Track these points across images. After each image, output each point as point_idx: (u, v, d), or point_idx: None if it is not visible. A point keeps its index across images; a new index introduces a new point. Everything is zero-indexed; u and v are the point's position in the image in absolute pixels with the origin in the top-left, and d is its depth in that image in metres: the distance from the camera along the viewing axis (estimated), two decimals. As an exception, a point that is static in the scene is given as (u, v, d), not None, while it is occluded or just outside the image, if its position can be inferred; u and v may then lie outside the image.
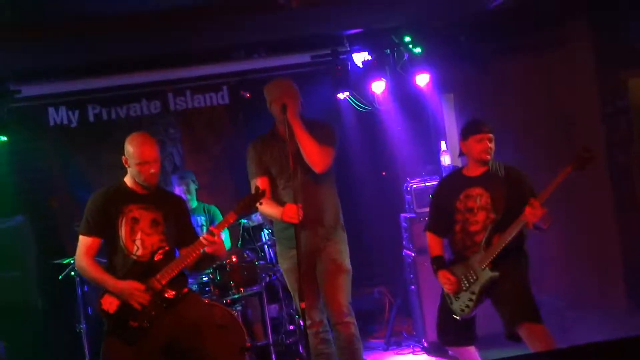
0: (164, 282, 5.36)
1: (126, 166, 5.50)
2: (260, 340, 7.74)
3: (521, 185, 5.86)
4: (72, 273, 7.46)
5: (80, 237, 5.49)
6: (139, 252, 5.41)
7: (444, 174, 7.71)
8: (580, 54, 8.57)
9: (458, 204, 5.98)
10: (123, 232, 5.42)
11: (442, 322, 6.12)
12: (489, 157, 5.92)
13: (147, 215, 5.48)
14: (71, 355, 7.79)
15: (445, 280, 5.95)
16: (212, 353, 5.44)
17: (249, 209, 5.59)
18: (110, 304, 5.34)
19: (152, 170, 5.43)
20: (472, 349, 6.12)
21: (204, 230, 7.58)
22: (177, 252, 5.63)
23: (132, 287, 5.31)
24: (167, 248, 5.49)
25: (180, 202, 5.84)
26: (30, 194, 8.76)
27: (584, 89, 8.56)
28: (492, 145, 5.92)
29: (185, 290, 5.57)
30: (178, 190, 8.04)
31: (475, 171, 5.99)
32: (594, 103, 8.52)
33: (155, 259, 5.41)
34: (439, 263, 6.08)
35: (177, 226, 5.62)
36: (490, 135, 5.92)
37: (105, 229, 5.46)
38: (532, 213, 5.56)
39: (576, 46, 8.59)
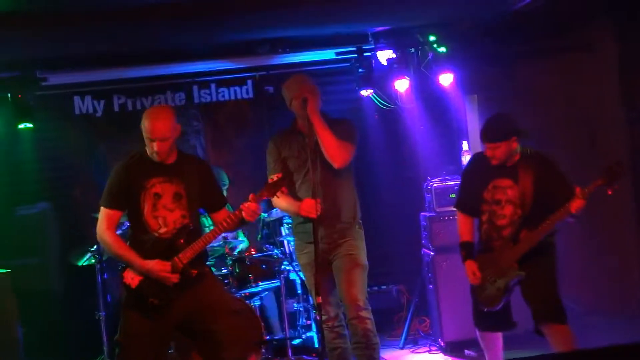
0: (185, 261, 5.36)
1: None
2: (276, 334, 7.79)
3: (552, 176, 5.82)
4: (92, 261, 7.52)
5: (102, 209, 5.48)
6: (161, 230, 5.42)
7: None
8: (606, 57, 8.54)
9: (486, 194, 5.97)
10: (145, 208, 5.41)
11: (475, 308, 6.13)
12: (495, 163, 5.89)
13: (169, 189, 5.45)
14: (89, 343, 7.82)
15: (470, 272, 5.97)
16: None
17: (272, 194, 5.58)
18: (132, 279, 5.38)
19: (156, 149, 5.35)
20: (499, 340, 6.14)
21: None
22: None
23: (159, 268, 5.32)
24: (189, 225, 5.48)
25: (203, 166, 5.74)
26: (54, 181, 8.86)
27: (609, 94, 8.53)
28: (496, 152, 5.85)
29: (206, 269, 5.61)
30: None
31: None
32: (618, 108, 8.49)
33: (177, 237, 5.41)
34: (467, 250, 6.08)
35: (203, 192, 5.58)
36: (494, 144, 5.84)
37: (126, 203, 5.47)
38: (576, 205, 5.53)
39: (601, 50, 8.56)
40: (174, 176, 5.48)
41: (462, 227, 6.18)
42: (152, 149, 5.39)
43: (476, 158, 6.40)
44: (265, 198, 5.57)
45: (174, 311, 5.40)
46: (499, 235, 5.90)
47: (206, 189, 5.64)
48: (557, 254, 5.93)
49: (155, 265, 5.33)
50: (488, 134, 5.90)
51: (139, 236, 5.48)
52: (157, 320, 5.37)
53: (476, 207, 6.04)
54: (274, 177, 5.91)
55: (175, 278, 5.35)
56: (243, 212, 5.42)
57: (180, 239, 5.42)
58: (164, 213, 5.44)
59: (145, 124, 5.41)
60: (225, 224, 5.48)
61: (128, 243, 5.52)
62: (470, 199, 6.12)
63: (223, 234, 7.78)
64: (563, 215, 5.60)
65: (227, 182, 8.16)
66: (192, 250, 5.40)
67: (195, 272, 5.43)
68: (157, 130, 5.37)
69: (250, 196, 5.46)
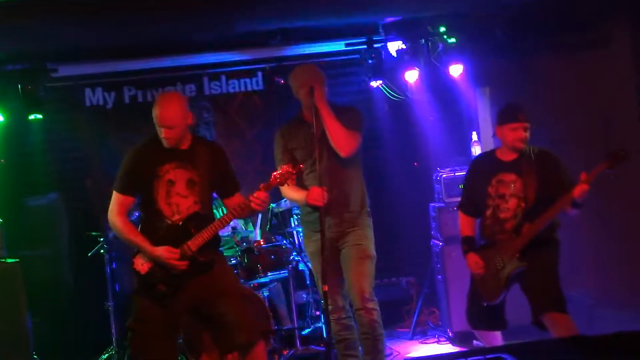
0: (194, 248, 5.38)
1: None
2: (285, 325, 7.79)
3: (556, 172, 5.83)
4: (102, 251, 7.54)
5: (114, 194, 5.50)
6: (175, 217, 5.43)
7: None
8: (620, 53, 8.49)
9: (490, 189, 5.97)
10: (159, 195, 5.43)
11: (471, 306, 6.14)
12: (523, 145, 5.89)
13: (183, 176, 5.46)
14: (99, 333, 7.85)
15: (472, 263, 5.98)
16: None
17: (281, 183, 5.53)
18: (142, 265, 5.41)
19: (167, 136, 5.38)
20: (498, 336, 6.13)
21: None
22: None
23: (167, 255, 5.33)
24: (201, 211, 5.49)
25: (217, 152, 5.72)
26: (64, 172, 8.85)
27: (623, 89, 8.48)
28: (527, 134, 5.87)
29: (216, 256, 5.60)
30: None
31: (509, 155, 5.96)
32: (632, 104, 8.43)
33: (188, 224, 5.42)
34: (469, 244, 6.10)
35: (215, 177, 5.58)
36: (526, 124, 5.86)
37: (139, 189, 5.50)
38: (580, 189, 5.52)
39: (616, 46, 8.51)
40: (188, 162, 5.49)
41: (463, 223, 6.22)
42: (163, 135, 5.42)
43: (479, 157, 6.53)
44: (274, 185, 5.54)
45: (184, 297, 5.43)
46: (502, 229, 5.91)
47: (219, 174, 5.64)
48: (560, 250, 5.95)
49: (164, 252, 5.35)
50: (523, 113, 5.90)
51: (151, 222, 5.51)
52: (167, 307, 5.39)
53: (480, 205, 6.06)
54: (283, 167, 5.93)
55: (183, 265, 5.37)
56: (252, 203, 5.43)
57: (191, 226, 5.44)
58: (178, 200, 5.46)
59: (155, 111, 5.44)
60: (235, 212, 5.49)
61: (139, 228, 5.54)
62: (474, 199, 6.14)
63: (232, 225, 7.84)
64: (566, 202, 5.61)
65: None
66: (201, 237, 5.41)
67: (204, 259, 5.44)
68: (165, 118, 5.39)
69: (260, 185, 5.47)
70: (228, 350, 5.79)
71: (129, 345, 5.56)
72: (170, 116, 5.39)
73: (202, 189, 5.51)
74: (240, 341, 5.50)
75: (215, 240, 5.62)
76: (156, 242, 5.38)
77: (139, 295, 5.47)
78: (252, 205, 5.42)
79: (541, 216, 5.71)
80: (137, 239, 5.43)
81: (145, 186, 5.46)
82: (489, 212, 6.00)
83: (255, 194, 5.42)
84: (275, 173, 5.52)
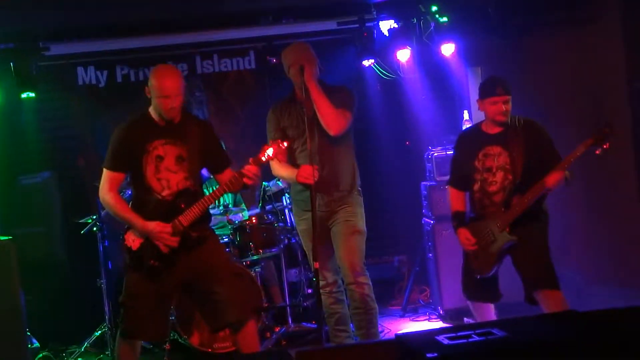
0: (185, 224, 5.41)
1: (149, 97, 5.46)
2: (277, 302, 7.84)
3: (542, 141, 5.86)
4: (94, 229, 7.57)
5: (105, 171, 5.51)
6: (165, 192, 5.44)
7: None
8: (610, 31, 8.49)
9: (476, 162, 6.00)
10: (148, 171, 5.43)
11: (466, 278, 6.18)
12: (504, 118, 5.90)
13: (172, 152, 5.46)
14: (91, 310, 7.90)
15: (464, 239, 6.01)
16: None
17: (271, 157, 5.54)
18: (133, 240, 5.44)
19: (172, 105, 5.37)
20: (492, 312, 6.18)
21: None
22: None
23: (159, 230, 5.36)
24: (191, 187, 5.51)
25: (206, 128, 5.71)
26: (56, 151, 8.88)
27: (614, 66, 8.49)
28: (507, 106, 5.87)
29: (207, 232, 5.64)
30: None
31: (494, 128, 5.98)
32: (621, 81, 8.45)
33: (178, 199, 5.44)
34: (459, 219, 6.13)
35: (205, 153, 5.60)
36: (506, 97, 5.86)
37: (129, 165, 5.50)
38: (553, 181, 5.59)
39: (606, 23, 8.51)
40: (177, 138, 5.50)
41: (453, 198, 6.25)
42: (168, 105, 5.38)
43: (465, 132, 6.56)
44: (263, 160, 5.52)
45: (175, 273, 5.46)
46: (491, 202, 5.94)
47: (208, 150, 5.65)
48: (548, 222, 5.98)
49: (155, 226, 5.37)
50: (502, 87, 5.89)
51: (141, 198, 5.52)
52: (159, 282, 5.43)
53: (468, 179, 6.08)
54: (273, 143, 5.94)
55: (175, 242, 5.39)
56: (243, 177, 5.44)
57: (181, 202, 5.46)
58: (167, 175, 5.46)
59: (154, 83, 5.41)
60: (225, 187, 5.52)
61: (130, 204, 5.57)
62: (462, 173, 6.16)
63: (224, 203, 7.86)
64: (540, 189, 5.68)
65: None
66: (192, 213, 5.44)
67: (196, 234, 5.48)
68: (167, 87, 5.37)
69: (250, 160, 5.48)
70: (219, 328, 5.79)
71: (121, 321, 5.58)
72: (172, 86, 5.38)
73: (192, 164, 5.53)
74: (232, 319, 5.55)
75: (206, 216, 5.65)
76: (146, 218, 5.41)
77: (131, 271, 5.52)
78: (244, 179, 5.43)
79: (531, 189, 5.75)
80: (129, 214, 5.45)
81: (134, 162, 5.47)
82: (477, 186, 6.03)
83: (247, 167, 5.43)
84: (264, 147, 5.53)
